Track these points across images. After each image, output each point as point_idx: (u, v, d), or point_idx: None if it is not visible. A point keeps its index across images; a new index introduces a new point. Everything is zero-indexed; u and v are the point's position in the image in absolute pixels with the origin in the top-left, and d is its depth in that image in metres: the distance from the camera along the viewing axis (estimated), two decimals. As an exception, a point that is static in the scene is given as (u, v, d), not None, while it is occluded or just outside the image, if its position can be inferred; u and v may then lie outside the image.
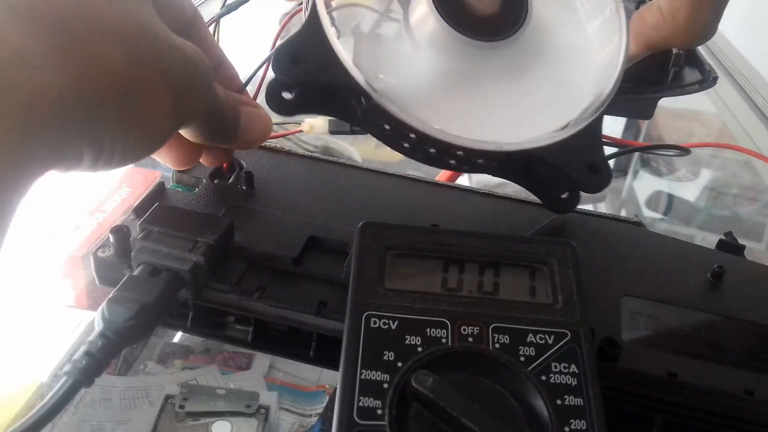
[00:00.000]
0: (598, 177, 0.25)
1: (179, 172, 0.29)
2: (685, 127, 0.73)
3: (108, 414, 0.37)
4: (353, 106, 0.25)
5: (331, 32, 0.24)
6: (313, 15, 0.24)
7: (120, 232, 0.25)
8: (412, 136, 0.24)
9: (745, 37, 0.84)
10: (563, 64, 0.27)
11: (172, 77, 0.21)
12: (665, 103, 0.64)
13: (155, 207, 0.25)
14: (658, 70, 0.47)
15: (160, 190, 0.27)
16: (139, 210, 0.26)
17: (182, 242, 0.24)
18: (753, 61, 0.76)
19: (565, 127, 0.25)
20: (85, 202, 0.42)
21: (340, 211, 0.28)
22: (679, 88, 0.48)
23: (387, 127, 0.25)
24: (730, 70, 0.73)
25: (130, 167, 0.44)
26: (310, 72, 0.24)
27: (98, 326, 0.22)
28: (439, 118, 0.24)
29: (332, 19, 0.24)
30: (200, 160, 0.28)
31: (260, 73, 0.30)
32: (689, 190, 0.61)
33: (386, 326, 0.20)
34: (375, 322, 0.20)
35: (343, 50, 0.24)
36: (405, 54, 0.26)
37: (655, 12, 0.30)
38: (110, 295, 0.22)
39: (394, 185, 0.31)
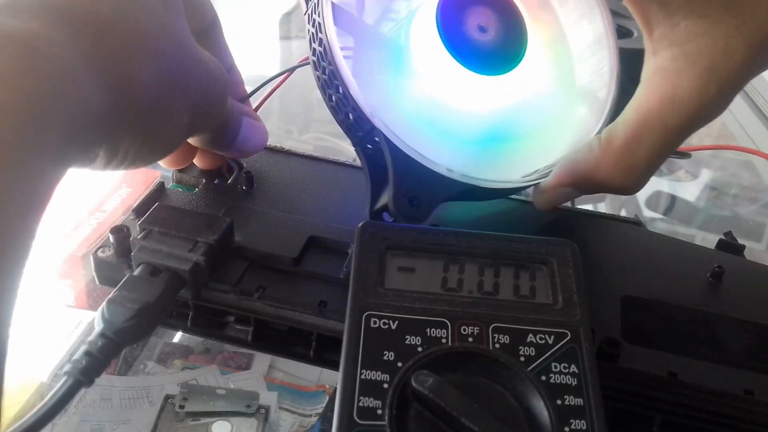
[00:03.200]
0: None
1: (179, 171, 0.29)
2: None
3: (108, 414, 0.37)
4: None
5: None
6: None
7: (120, 232, 0.25)
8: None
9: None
10: (545, 112, 0.27)
11: (194, 95, 0.21)
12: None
13: (155, 207, 0.25)
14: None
15: (160, 190, 0.27)
16: (139, 210, 0.26)
17: (182, 242, 0.24)
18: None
19: (530, 174, 0.25)
20: (85, 201, 0.42)
21: (340, 211, 0.28)
22: (679, 88, 0.48)
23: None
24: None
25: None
26: (429, 209, 0.24)
27: (98, 326, 0.22)
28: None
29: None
30: (194, 161, 0.28)
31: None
32: (689, 190, 0.61)
33: (386, 326, 0.20)
34: (375, 323, 0.20)
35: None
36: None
37: (590, 139, 0.25)
38: (110, 295, 0.22)
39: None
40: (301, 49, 0.73)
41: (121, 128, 0.19)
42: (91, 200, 0.42)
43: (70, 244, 0.39)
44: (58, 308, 0.39)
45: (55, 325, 0.39)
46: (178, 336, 0.43)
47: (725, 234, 0.29)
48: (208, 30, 0.25)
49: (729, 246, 0.28)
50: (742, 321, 0.24)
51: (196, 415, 0.37)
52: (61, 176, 0.17)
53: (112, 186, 0.43)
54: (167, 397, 0.38)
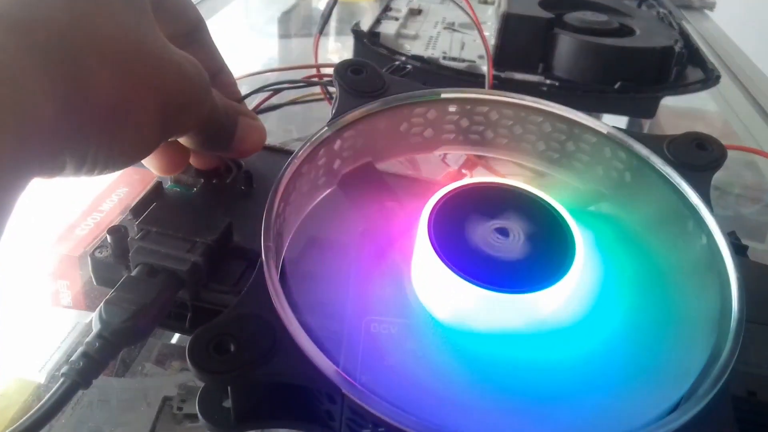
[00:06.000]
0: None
1: (177, 171, 0.29)
2: (688, 126, 0.72)
3: (105, 416, 0.37)
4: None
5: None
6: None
7: (117, 232, 0.24)
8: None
9: (748, 36, 0.84)
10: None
11: (163, 93, 0.20)
12: (667, 102, 0.64)
13: (153, 207, 0.25)
14: (661, 69, 0.47)
15: (157, 190, 0.27)
16: (137, 210, 0.26)
17: (180, 242, 0.24)
18: (756, 59, 0.76)
19: None
20: (82, 201, 0.41)
21: (339, 210, 0.28)
22: (681, 87, 0.48)
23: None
24: (732, 69, 0.72)
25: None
26: None
27: (96, 327, 0.21)
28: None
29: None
30: (191, 162, 0.28)
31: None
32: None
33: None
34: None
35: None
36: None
37: None
38: (108, 296, 0.22)
39: (394, 185, 0.31)
40: (300, 47, 0.73)
41: (83, 134, 0.18)
42: (88, 200, 0.42)
43: (66, 244, 0.38)
44: (55, 309, 0.39)
45: (52, 326, 0.39)
46: (176, 337, 0.42)
47: (729, 234, 0.28)
48: (193, 33, 0.25)
49: (732, 246, 0.28)
50: (746, 322, 0.24)
51: (194, 417, 0.37)
52: (22, 186, 0.17)
53: (109, 186, 0.43)
54: (165, 399, 0.38)
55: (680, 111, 0.68)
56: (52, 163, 0.18)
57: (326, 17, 0.42)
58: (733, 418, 0.18)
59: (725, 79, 0.70)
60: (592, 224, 0.25)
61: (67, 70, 0.18)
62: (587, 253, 0.22)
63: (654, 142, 0.26)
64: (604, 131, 0.26)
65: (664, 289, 0.23)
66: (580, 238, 0.22)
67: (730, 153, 0.68)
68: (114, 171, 0.21)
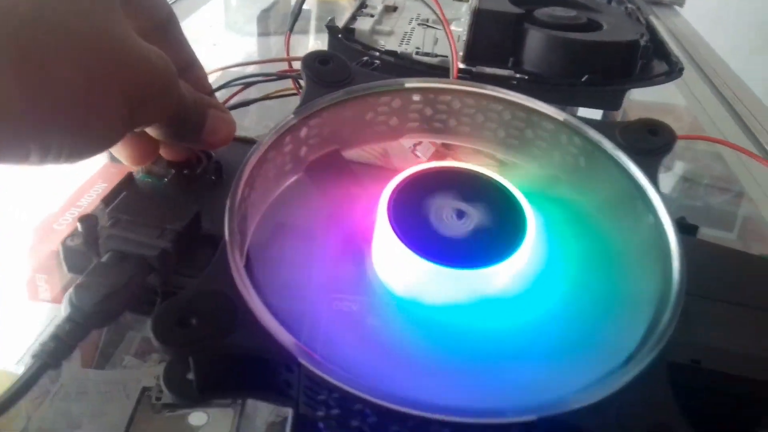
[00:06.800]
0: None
1: (148, 162, 0.29)
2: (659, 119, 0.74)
3: (84, 407, 0.37)
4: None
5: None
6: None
7: (88, 220, 0.25)
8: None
9: (717, 31, 0.86)
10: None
11: (128, 86, 0.21)
12: (638, 96, 0.66)
13: (123, 195, 0.26)
14: (627, 62, 0.48)
15: (128, 181, 0.27)
16: (108, 200, 0.26)
17: (150, 230, 0.24)
18: (723, 54, 0.78)
19: None
20: (61, 197, 0.42)
21: (306, 196, 0.28)
22: (647, 79, 0.49)
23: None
24: (699, 63, 0.74)
25: (105, 163, 0.44)
26: None
27: (66, 311, 0.22)
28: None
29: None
30: (160, 152, 0.28)
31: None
32: (664, 182, 0.62)
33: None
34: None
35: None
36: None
37: None
38: (78, 281, 0.22)
39: (360, 173, 0.31)
40: (279, 45, 0.73)
41: (47, 125, 0.19)
42: (66, 195, 0.42)
43: (45, 238, 0.39)
44: (33, 303, 0.39)
45: (30, 319, 0.39)
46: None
47: (679, 218, 0.29)
48: (163, 26, 0.25)
49: (682, 227, 0.29)
50: (691, 296, 0.25)
51: (172, 406, 0.38)
52: None
53: (88, 181, 0.43)
54: (144, 390, 0.38)
55: (651, 106, 0.70)
56: (16, 151, 0.19)
57: (296, 15, 0.43)
58: (668, 382, 0.19)
59: (692, 73, 0.71)
60: (547, 207, 0.26)
61: (31, 62, 0.18)
62: (537, 234, 0.23)
63: (607, 128, 0.27)
64: (561, 118, 0.27)
65: (610, 268, 0.24)
66: (532, 219, 0.23)
67: (700, 146, 0.69)
68: (80, 160, 0.21)
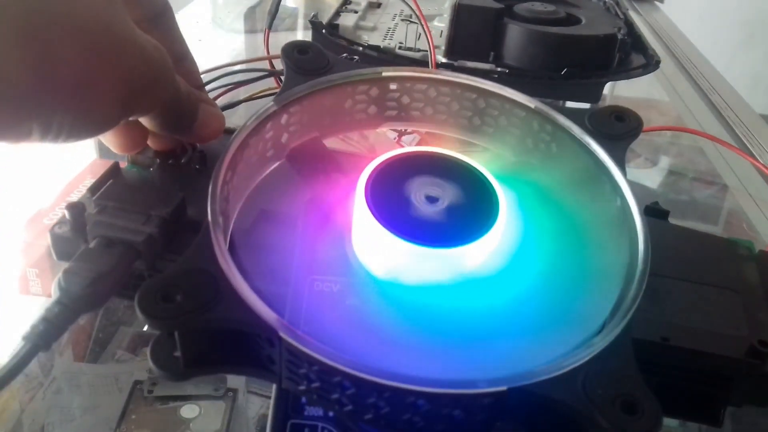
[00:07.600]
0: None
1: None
2: (643, 115, 0.75)
3: (77, 400, 0.38)
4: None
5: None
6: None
7: (75, 208, 0.26)
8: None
9: (699, 28, 0.88)
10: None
11: (128, 73, 0.22)
12: (623, 92, 0.67)
13: (110, 183, 0.26)
14: (605, 56, 0.50)
15: (115, 170, 0.28)
16: (95, 188, 0.27)
17: (136, 216, 0.25)
18: (701, 47, 0.79)
19: None
20: (51, 191, 0.42)
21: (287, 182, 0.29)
22: (624, 72, 0.50)
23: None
24: (678, 57, 0.76)
25: (94, 158, 0.45)
26: None
27: (55, 294, 0.23)
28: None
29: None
30: (147, 143, 0.29)
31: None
32: (649, 177, 0.63)
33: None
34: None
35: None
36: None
37: None
38: (66, 266, 0.23)
39: (340, 160, 0.32)
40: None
41: (50, 103, 0.20)
42: (57, 190, 0.43)
43: (35, 233, 0.39)
44: (24, 297, 0.40)
45: (21, 313, 0.40)
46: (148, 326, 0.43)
47: (652, 203, 0.30)
48: (159, 18, 0.26)
49: (654, 212, 0.30)
50: (664, 277, 0.26)
51: (164, 399, 0.38)
52: None
53: (78, 176, 0.44)
54: (136, 383, 0.39)
55: (635, 101, 0.71)
56: (18, 128, 0.20)
57: (273, 13, 0.44)
58: (633, 356, 0.20)
59: (671, 67, 0.73)
60: (521, 189, 0.27)
61: (38, 44, 0.19)
62: (510, 213, 0.24)
63: (576, 115, 0.28)
64: (532, 105, 0.28)
65: (580, 245, 0.25)
66: (504, 200, 0.24)
67: (685, 141, 0.70)
68: (77, 140, 0.22)
